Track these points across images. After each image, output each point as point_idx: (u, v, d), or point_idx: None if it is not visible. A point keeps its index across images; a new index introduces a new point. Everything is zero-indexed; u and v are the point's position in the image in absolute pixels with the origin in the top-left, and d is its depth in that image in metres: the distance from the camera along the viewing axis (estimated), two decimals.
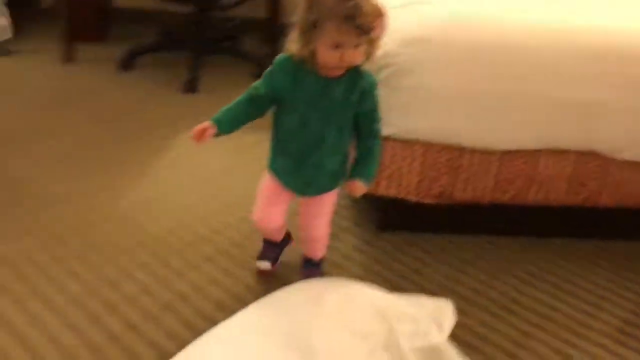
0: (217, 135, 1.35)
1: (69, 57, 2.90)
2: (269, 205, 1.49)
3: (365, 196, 1.51)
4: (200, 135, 1.33)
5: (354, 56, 1.24)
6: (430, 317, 1.41)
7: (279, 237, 1.64)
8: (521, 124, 1.68)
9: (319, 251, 1.61)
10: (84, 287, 1.55)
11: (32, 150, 2.16)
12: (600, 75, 1.65)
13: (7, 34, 2.87)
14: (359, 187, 1.39)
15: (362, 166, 1.40)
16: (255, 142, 2.28)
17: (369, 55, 1.28)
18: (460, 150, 1.72)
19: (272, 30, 3.00)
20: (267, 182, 1.49)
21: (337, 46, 1.22)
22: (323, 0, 1.21)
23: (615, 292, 1.78)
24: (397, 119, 1.65)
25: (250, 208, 1.55)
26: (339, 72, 1.29)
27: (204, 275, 1.64)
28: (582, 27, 1.72)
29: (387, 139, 1.69)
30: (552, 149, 1.74)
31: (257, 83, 1.36)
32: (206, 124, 1.33)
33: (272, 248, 1.67)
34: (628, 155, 1.75)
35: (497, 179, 1.77)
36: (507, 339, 1.57)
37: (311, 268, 1.63)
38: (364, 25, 1.19)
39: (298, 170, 1.42)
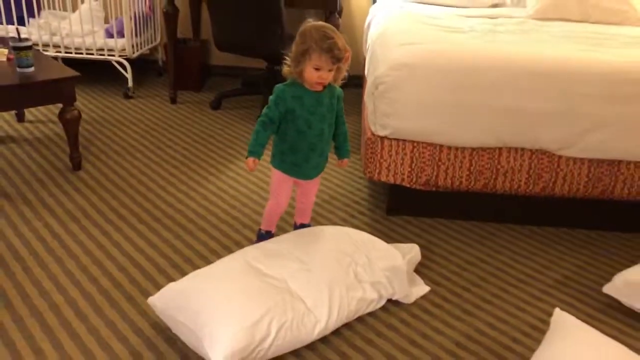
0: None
1: (174, 100, 3.81)
2: (280, 193, 2.09)
3: (375, 185, 2.11)
4: (253, 167, 1.91)
5: (328, 76, 1.86)
6: (398, 251, 2.01)
7: (275, 224, 2.21)
8: (483, 128, 2.27)
9: (310, 215, 2.25)
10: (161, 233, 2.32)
11: (148, 158, 3.00)
12: (541, 90, 2.23)
13: (129, 83, 3.83)
14: (346, 162, 2.12)
15: (344, 147, 2.09)
16: None
17: (336, 76, 1.91)
18: (440, 147, 2.34)
19: None
20: (276, 178, 2.07)
21: (317, 69, 1.84)
22: (310, 36, 1.82)
23: (559, 264, 2.30)
24: (390, 122, 2.30)
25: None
26: (319, 88, 1.90)
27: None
28: (527, 53, 2.32)
29: (384, 138, 2.35)
30: (510, 147, 2.31)
31: (268, 112, 1.91)
32: (250, 159, 1.90)
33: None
34: (569, 152, 2.28)
35: (470, 171, 2.36)
36: (464, 280, 2.14)
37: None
38: (337, 56, 1.82)
39: (307, 160, 1.99)
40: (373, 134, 2.38)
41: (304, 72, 1.87)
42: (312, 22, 1.88)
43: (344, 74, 1.94)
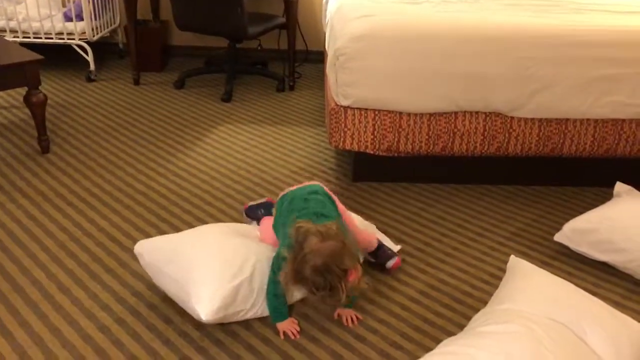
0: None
1: (137, 82, 3.82)
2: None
3: (340, 154, 2.20)
4: (293, 332, 1.76)
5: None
6: None
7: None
8: (439, 94, 2.40)
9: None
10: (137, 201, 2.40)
11: (116, 138, 3.04)
12: (493, 55, 2.36)
13: (92, 66, 3.83)
14: (347, 314, 1.81)
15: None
16: (255, 135, 3.11)
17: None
18: (399, 114, 2.45)
19: (290, 56, 3.86)
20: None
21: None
22: (305, 280, 1.60)
23: (514, 218, 2.46)
24: (351, 92, 2.40)
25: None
26: None
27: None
28: (478, 21, 2.45)
29: (346, 107, 2.46)
30: (465, 110, 2.45)
31: (274, 287, 1.74)
32: (283, 325, 1.76)
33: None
34: (521, 113, 2.43)
35: (429, 135, 2.48)
36: (426, 237, 2.28)
37: (378, 251, 2.07)
38: (331, 302, 1.66)
39: None
40: (336, 104, 2.48)
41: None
42: (312, 243, 1.61)
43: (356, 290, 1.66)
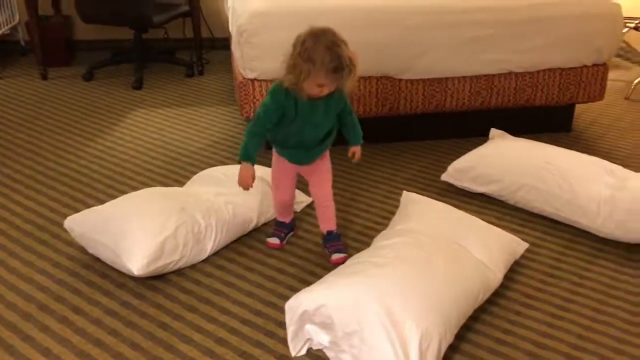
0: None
1: (44, 77, 3.85)
2: (282, 180, 2.04)
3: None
4: (250, 181, 1.84)
5: (330, 89, 1.76)
6: None
7: (289, 215, 2.15)
8: None
9: (334, 219, 2.09)
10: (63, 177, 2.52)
11: (32, 129, 3.10)
12: (381, 25, 2.67)
13: None
14: (358, 150, 2.04)
15: (352, 134, 2.00)
16: (169, 117, 3.28)
17: (343, 85, 1.76)
18: None
19: (196, 43, 4.03)
20: (275, 166, 2.02)
21: (320, 85, 1.72)
22: (315, 55, 1.67)
23: (408, 167, 2.79)
24: (256, 65, 2.64)
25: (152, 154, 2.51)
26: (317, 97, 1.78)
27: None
28: None
29: (253, 80, 2.69)
30: (360, 76, 2.73)
31: (262, 120, 1.81)
32: (244, 170, 1.83)
33: (282, 229, 2.15)
34: (407, 75, 2.77)
35: None
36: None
37: (332, 241, 2.08)
38: (344, 75, 1.70)
39: (299, 153, 1.96)
40: (244, 78, 2.71)
41: (303, 86, 1.74)
42: (311, 30, 1.75)
43: (354, 81, 1.79)
